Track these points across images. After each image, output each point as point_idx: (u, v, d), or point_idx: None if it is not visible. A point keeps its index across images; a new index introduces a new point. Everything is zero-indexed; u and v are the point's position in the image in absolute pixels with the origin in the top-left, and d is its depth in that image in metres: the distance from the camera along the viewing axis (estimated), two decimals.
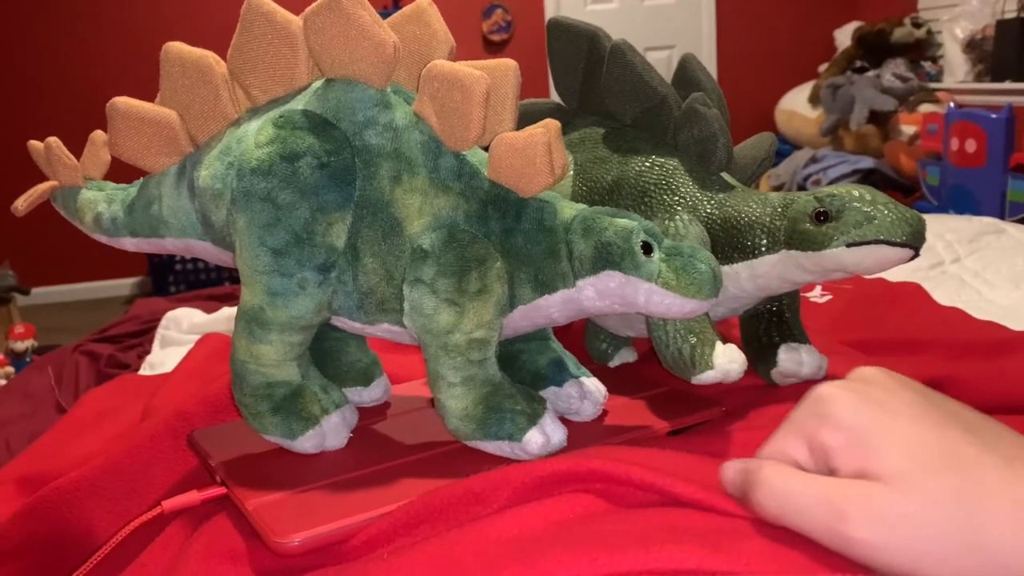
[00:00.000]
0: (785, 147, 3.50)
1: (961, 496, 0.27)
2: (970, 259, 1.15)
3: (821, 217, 0.46)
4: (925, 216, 0.87)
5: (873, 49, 3.34)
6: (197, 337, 0.92)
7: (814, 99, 3.37)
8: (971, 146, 2.48)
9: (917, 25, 3.34)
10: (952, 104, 2.70)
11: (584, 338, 0.62)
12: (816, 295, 0.80)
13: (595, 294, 0.42)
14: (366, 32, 0.43)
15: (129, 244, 0.53)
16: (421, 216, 0.43)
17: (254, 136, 0.44)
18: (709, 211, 0.51)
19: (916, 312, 0.73)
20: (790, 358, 0.52)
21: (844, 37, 3.58)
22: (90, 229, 0.54)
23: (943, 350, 0.62)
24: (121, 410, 0.69)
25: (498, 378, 0.44)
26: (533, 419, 0.42)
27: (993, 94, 2.81)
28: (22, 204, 0.54)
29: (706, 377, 0.47)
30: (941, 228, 1.26)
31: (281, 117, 0.44)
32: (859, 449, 0.29)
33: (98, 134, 0.53)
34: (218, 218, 0.46)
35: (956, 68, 3.04)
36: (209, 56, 0.47)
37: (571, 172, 0.57)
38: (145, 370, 1.07)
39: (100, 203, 0.53)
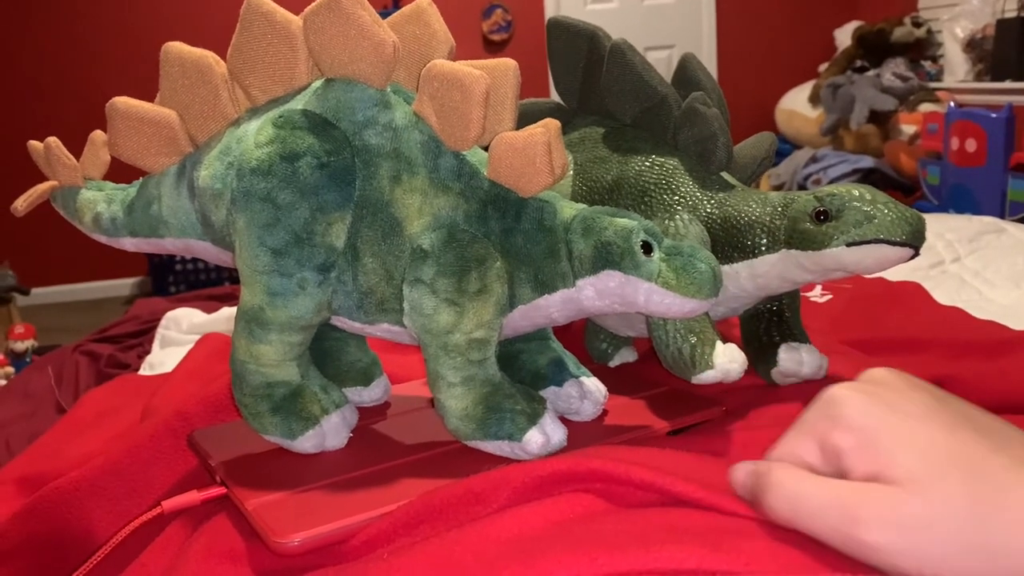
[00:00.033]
0: (785, 147, 3.51)
1: (973, 498, 0.26)
2: (970, 258, 1.15)
3: (821, 216, 0.46)
4: (925, 215, 0.88)
5: (873, 48, 3.34)
6: (197, 337, 0.92)
7: (814, 99, 3.37)
8: (971, 145, 2.48)
9: (917, 24, 3.34)
10: (952, 103, 2.70)
11: (584, 338, 0.62)
12: (816, 295, 0.80)
13: (595, 294, 0.42)
14: (366, 32, 0.43)
15: (129, 244, 0.53)
16: (421, 216, 0.43)
17: (254, 136, 0.44)
18: (709, 210, 0.51)
19: (916, 312, 0.73)
20: (790, 358, 0.51)
21: (844, 37, 3.58)
22: (89, 229, 0.54)
23: (943, 350, 0.62)
24: (121, 410, 0.69)
25: (498, 378, 0.44)
26: (533, 419, 0.42)
27: (993, 93, 2.81)
28: (22, 204, 0.54)
29: (706, 377, 0.47)
30: (941, 227, 1.26)
31: (281, 117, 0.44)
32: (871, 452, 0.29)
33: (98, 134, 0.53)
34: (218, 218, 0.46)
35: (956, 67, 3.04)
36: (209, 56, 0.47)
37: (571, 172, 0.57)
38: (145, 370, 1.07)
39: (100, 203, 0.53)
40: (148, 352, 1.23)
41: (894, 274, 0.80)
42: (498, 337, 0.44)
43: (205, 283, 3.30)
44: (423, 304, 0.43)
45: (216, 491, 0.44)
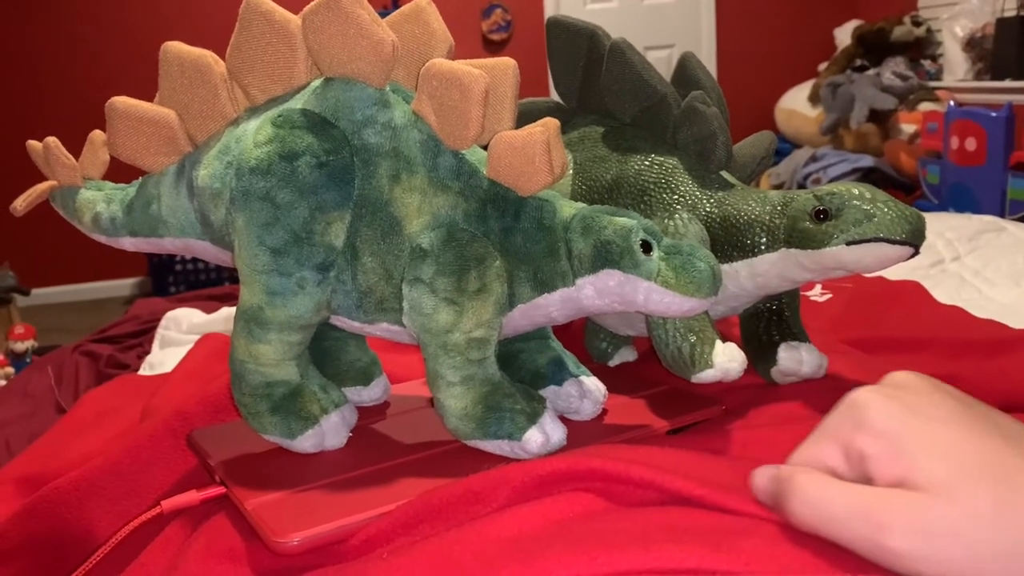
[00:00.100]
0: (785, 146, 3.50)
1: (1000, 504, 0.26)
2: (970, 257, 1.15)
3: (821, 215, 0.46)
4: (925, 214, 0.87)
5: (873, 48, 3.34)
6: (197, 337, 0.92)
7: (814, 98, 3.37)
8: (971, 144, 2.48)
9: (917, 23, 3.34)
10: (952, 103, 2.70)
11: (584, 337, 0.62)
12: (816, 294, 0.80)
13: (594, 293, 0.42)
14: (364, 31, 0.43)
15: (128, 244, 0.53)
16: (420, 215, 0.43)
17: (253, 135, 0.44)
18: (708, 209, 0.51)
19: (916, 310, 0.73)
20: (790, 356, 0.51)
21: (844, 36, 3.58)
22: (89, 229, 0.54)
23: (943, 348, 0.62)
24: (121, 410, 0.69)
25: (497, 377, 0.44)
26: (533, 418, 0.42)
27: (993, 92, 2.81)
28: (21, 204, 0.54)
29: (706, 376, 0.47)
30: (941, 226, 1.26)
31: (280, 116, 0.44)
32: (897, 457, 0.28)
33: (97, 134, 0.53)
34: (217, 217, 0.46)
35: (956, 66, 3.04)
36: (208, 55, 0.47)
37: (570, 171, 0.57)
38: (145, 370, 1.07)
39: (99, 203, 0.53)
40: (148, 352, 1.23)
41: (894, 273, 0.80)
42: (498, 336, 0.44)
43: (205, 283, 3.30)
44: (422, 303, 0.42)
45: (215, 491, 0.44)
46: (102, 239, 0.54)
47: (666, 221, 0.50)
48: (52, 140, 0.53)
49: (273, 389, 0.45)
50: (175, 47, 0.47)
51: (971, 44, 2.96)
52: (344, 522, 0.38)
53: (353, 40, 0.43)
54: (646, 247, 0.40)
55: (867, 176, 2.93)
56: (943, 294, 0.90)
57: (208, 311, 1.30)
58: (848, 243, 0.45)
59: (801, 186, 3.11)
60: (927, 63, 3.31)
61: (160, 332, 1.25)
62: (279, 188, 0.42)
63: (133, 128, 0.49)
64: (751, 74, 3.95)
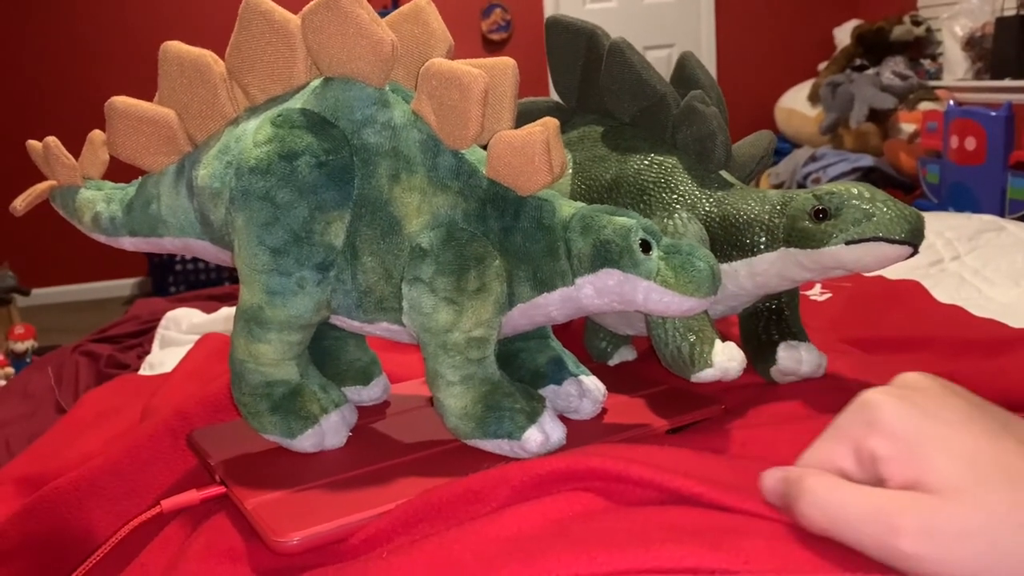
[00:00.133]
0: (784, 145, 3.50)
1: (1017, 508, 0.26)
2: (970, 257, 1.15)
3: (820, 215, 0.46)
4: (925, 214, 0.87)
5: (872, 47, 3.34)
6: (197, 337, 0.92)
7: (813, 97, 3.37)
8: (971, 144, 2.47)
9: (916, 23, 3.34)
10: (952, 102, 2.70)
11: (583, 336, 0.62)
12: (816, 293, 0.80)
13: (594, 292, 0.42)
14: (364, 31, 0.43)
15: (128, 243, 0.53)
16: (420, 214, 0.43)
17: (252, 135, 0.44)
18: (708, 209, 0.51)
19: (916, 310, 0.73)
20: (789, 356, 0.51)
21: (843, 35, 3.58)
22: (89, 228, 0.54)
23: (943, 348, 0.62)
24: (121, 410, 0.69)
25: (497, 377, 0.44)
26: (532, 417, 0.42)
27: (993, 92, 2.80)
28: (20, 204, 0.54)
29: (705, 375, 0.47)
30: (941, 226, 1.26)
31: (279, 116, 0.44)
32: (910, 459, 0.28)
33: (96, 133, 0.53)
34: (217, 217, 0.46)
35: (956, 66, 3.04)
36: (207, 55, 0.47)
37: (570, 170, 0.57)
38: (145, 370, 1.07)
39: (99, 202, 0.53)
40: (148, 352, 1.23)
41: (893, 272, 0.80)
42: (497, 336, 0.44)
43: (205, 283, 3.30)
44: (422, 303, 0.43)
45: (215, 490, 0.44)
46: (102, 239, 0.54)
47: (665, 220, 0.50)
48: (52, 140, 0.53)
49: (273, 389, 0.45)
50: (175, 47, 0.47)
51: (971, 43, 2.96)
52: (344, 521, 0.38)
53: (352, 40, 0.43)
54: (645, 246, 0.40)
55: (867, 176, 2.93)
56: (943, 293, 0.90)
57: (208, 311, 1.30)
58: (847, 242, 0.45)
59: (801, 186, 3.11)
60: (927, 62, 3.31)
61: (160, 332, 1.25)
62: (279, 188, 0.42)
63: (133, 128, 0.49)
64: (751, 74, 3.95)
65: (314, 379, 0.47)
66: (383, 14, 0.45)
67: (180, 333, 1.23)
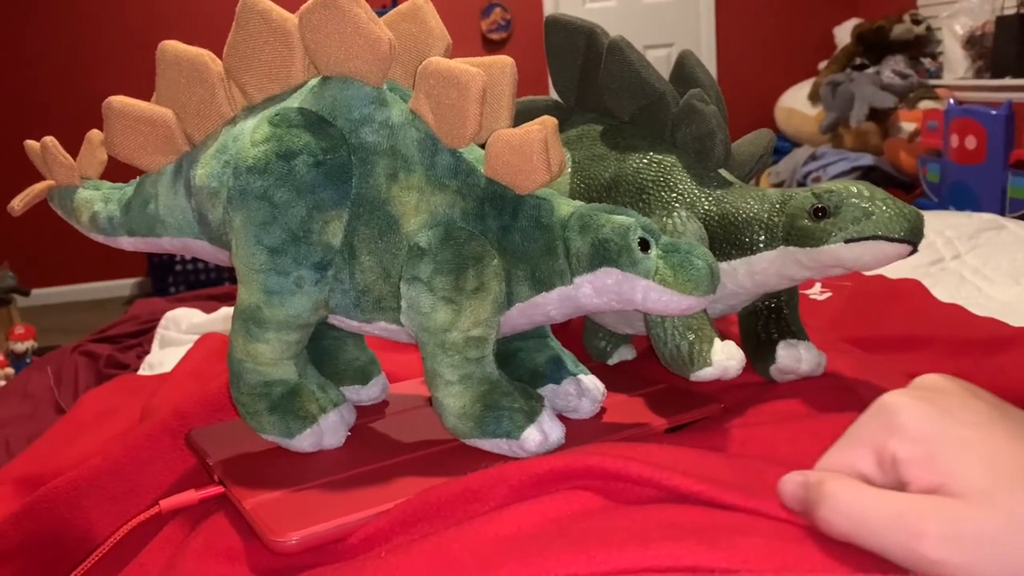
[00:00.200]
0: (784, 145, 3.50)
1: None
2: (970, 255, 1.15)
3: (819, 213, 0.45)
4: (925, 213, 0.87)
5: (873, 46, 3.34)
6: (196, 337, 0.92)
7: (814, 96, 3.37)
8: (971, 143, 2.47)
9: (917, 22, 3.34)
10: (952, 101, 2.70)
11: (582, 336, 0.62)
12: (816, 292, 0.80)
13: (592, 291, 0.42)
14: (361, 30, 0.43)
15: (126, 243, 0.53)
16: (418, 214, 0.43)
17: (250, 134, 0.44)
18: (707, 207, 0.51)
19: (916, 309, 0.73)
20: (789, 355, 0.51)
21: (844, 34, 3.58)
22: (87, 228, 0.54)
23: (943, 347, 0.62)
24: (120, 410, 0.69)
25: (496, 376, 0.44)
26: (531, 417, 0.42)
27: (993, 90, 2.80)
28: (19, 204, 0.54)
29: (704, 374, 0.47)
30: (941, 225, 1.26)
31: (277, 115, 0.44)
32: (933, 462, 0.28)
33: (94, 133, 0.53)
34: (214, 216, 0.46)
35: (956, 65, 3.03)
36: (205, 54, 0.47)
37: (569, 169, 0.57)
38: (144, 370, 1.07)
39: (96, 202, 0.53)
40: (147, 352, 1.23)
41: (893, 271, 0.80)
42: (496, 335, 0.44)
43: (204, 283, 3.30)
44: (420, 302, 0.42)
45: (214, 490, 0.44)
46: (100, 239, 0.54)
47: (664, 219, 0.50)
48: (50, 140, 0.53)
49: (271, 388, 0.45)
50: (172, 46, 0.47)
51: (971, 42, 2.96)
52: (342, 521, 0.38)
53: (350, 39, 0.43)
54: (644, 245, 0.40)
55: (867, 174, 2.93)
56: (943, 292, 0.90)
57: (208, 311, 1.30)
58: (847, 241, 0.44)
59: (801, 184, 3.11)
60: (927, 61, 3.31)
61: (160, 332, 1.25)
62: (276, 187, 0.42)
63: (130, 127, 0.49)
64: (751, 73, 3.95)
65: (312, 379, 0.47)
66: (381, 13, 0.45)
67: (179, 333, 1.23)
